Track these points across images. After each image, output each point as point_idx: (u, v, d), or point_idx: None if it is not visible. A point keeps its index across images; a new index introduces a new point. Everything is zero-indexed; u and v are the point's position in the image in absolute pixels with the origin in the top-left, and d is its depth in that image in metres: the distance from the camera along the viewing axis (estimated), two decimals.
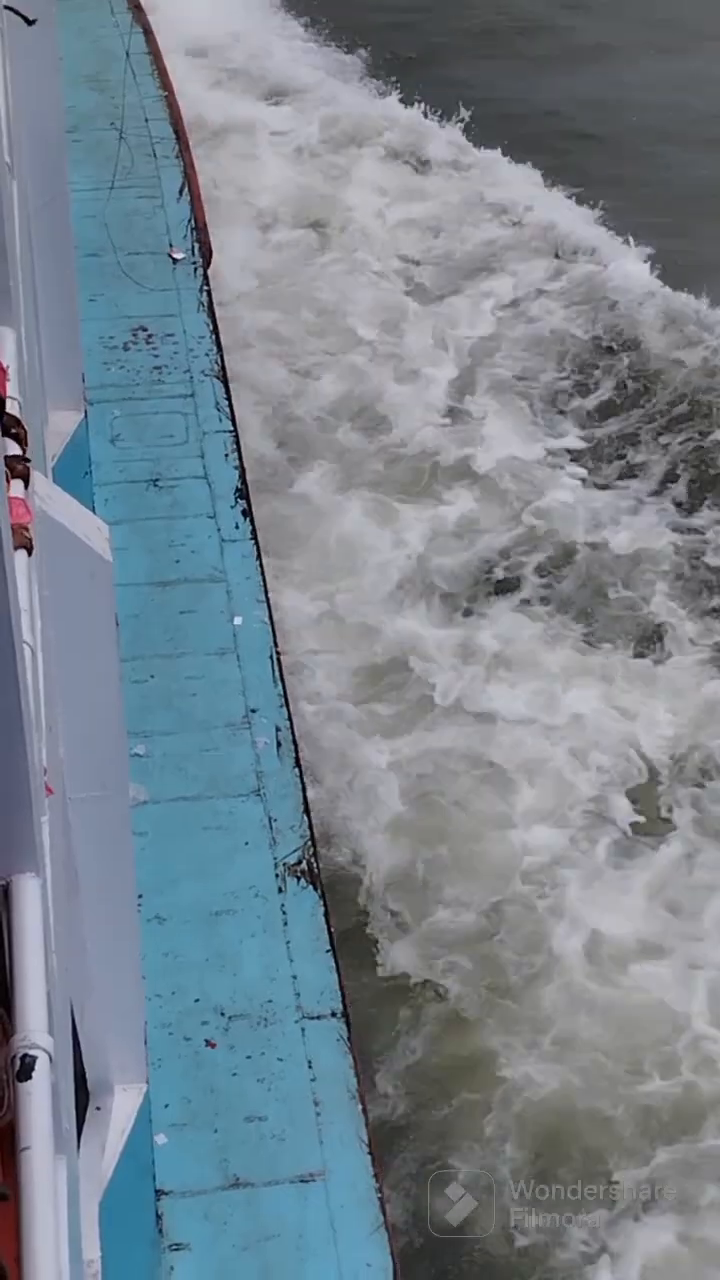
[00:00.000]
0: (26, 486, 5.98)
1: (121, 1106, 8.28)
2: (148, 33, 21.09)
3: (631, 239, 20.58)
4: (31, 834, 4.53)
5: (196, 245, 17.14)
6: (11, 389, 6.42)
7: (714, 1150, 10.95)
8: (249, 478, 14.20)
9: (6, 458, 5.71)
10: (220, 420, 14.69)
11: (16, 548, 5.32)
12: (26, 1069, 4.03)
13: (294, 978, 10.06)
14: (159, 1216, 8.79)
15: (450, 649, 14.76)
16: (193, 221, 17.47)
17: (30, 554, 5.63)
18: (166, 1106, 9.22)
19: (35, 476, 6.15)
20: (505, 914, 12.32)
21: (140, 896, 9.18)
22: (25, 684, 4.52)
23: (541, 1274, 10.38)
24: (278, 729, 11.72)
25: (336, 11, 26.18)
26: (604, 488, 17.02)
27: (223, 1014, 9.83)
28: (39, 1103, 3.98)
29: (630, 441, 17.67)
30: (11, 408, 6.15)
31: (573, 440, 17.61)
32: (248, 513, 13.70)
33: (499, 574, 15.85)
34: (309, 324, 19.05)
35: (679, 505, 16.78)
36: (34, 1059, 4.05)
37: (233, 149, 22.22)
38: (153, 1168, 8.93)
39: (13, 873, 4.52)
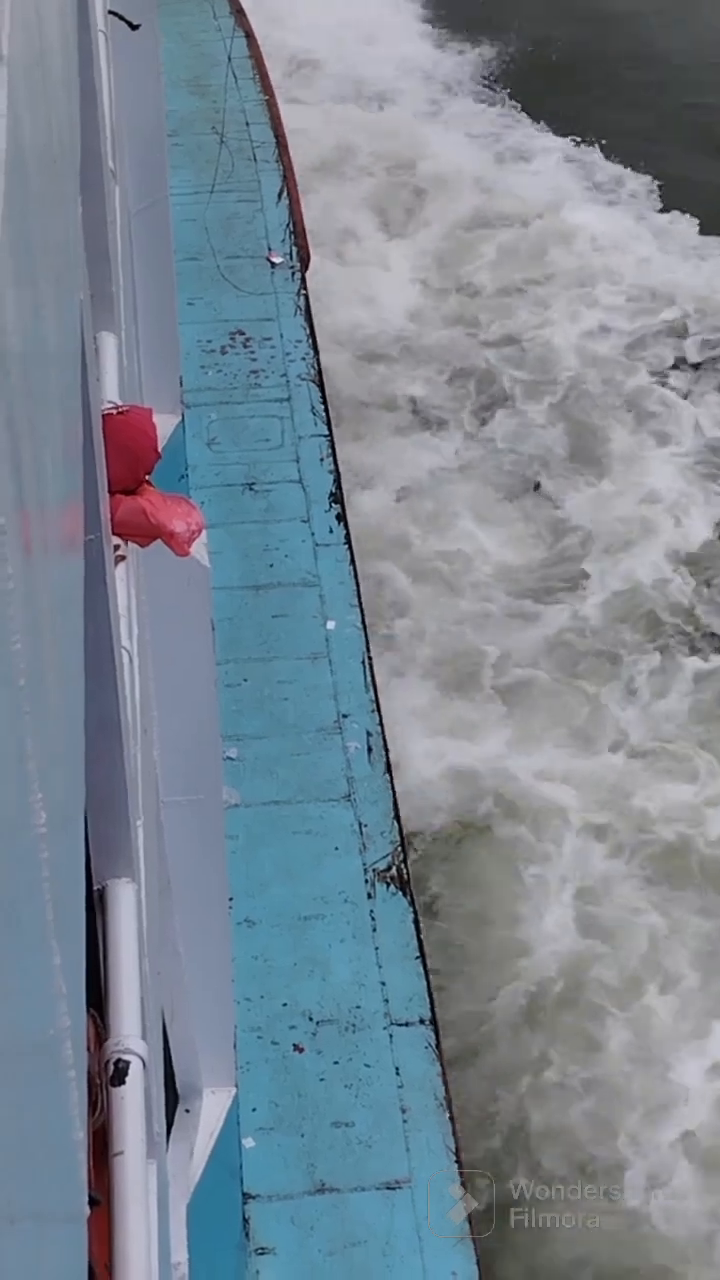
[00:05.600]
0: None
1: (210, 1109, 8.29)
2: (249, 37, 21.13)
3: None
4: (128, 839, 4.54)
5: (295, 249, 17.16)
6: (112, 394, 6.45)
7: None
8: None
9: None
10: (316, 424, 14.70)
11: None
12: (120, 1074, 4.04)
13: (383, 984, 10.04)
14: (246, 1220, 8.80)
15: None
16: (291, 225, 17.50)
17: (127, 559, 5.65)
18: (254, 1110, 9.23)
19: None
20: None
21: (230, 900, 9.20)
22: (123, 689, 4.53)
23: None
24: (369, 734, 11.70)
25: None
26: None
27: (311, 1019, 9.83)
28: (132, 1108, 3.99)
29: None
30: None
31: None
32: (341, 517, 13.70)
33: None
34: None
35: None
36: (127, 1064, 4.06)
37: None
38: (240, 1171, 8.94)
39: (108, 877, 4.53)
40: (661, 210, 21.66)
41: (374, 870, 10.72)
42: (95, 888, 4.52)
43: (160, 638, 6.44)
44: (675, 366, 19.02)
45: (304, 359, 15.52)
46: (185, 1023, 7.63)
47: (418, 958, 10.26)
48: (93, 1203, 3.78)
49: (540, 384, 18.58)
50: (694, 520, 16.59)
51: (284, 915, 10.39)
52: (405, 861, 10.88)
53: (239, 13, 21.80)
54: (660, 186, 21.97)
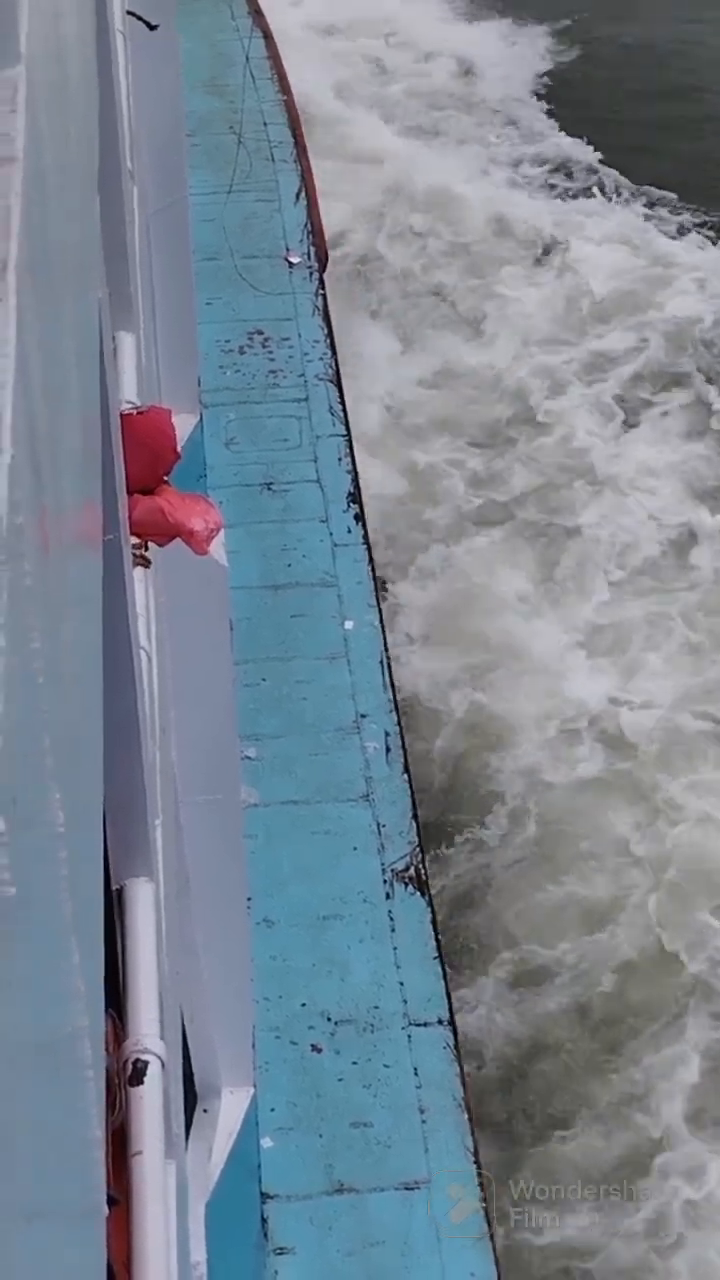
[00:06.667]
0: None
1: (229, 1109, 8.30)
2: (267, 37, 21.14)
3: None
4: (146, 838, 4.54)
5: (312, 249, 17.16)
6: (131, 393, 6.45)
7: None
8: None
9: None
10: (334, 424, 14.70)
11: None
12: (138, 1074, 4.04)
13: (401, 984, 10.03)
14: (264, 1220, 8.80)
15: None
16: (309, 226, 17.50)
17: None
18: (273, 1110, 9.22)
19: None
20: None
21: (249, 899, 9.19)
22: (141, 689, 4.53)
23: None
24: (387, 734, 11.69)
25: None
26: None
27: (329, 1019, 9.82)
28: (150, 1107, 3.99)
29: None
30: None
31: None
32: (360, 517, 13.70)
33: None
34: None
35: None
36: (146, 1064, 4.06)
37: None
38: (259, 1171, 8.94)
39: (126, 876, 4.53)
40: None
41: (392, 870, 10.71)
42: (114, 887, 4.52)
43: (179, 637, 6.45)
44: None
45: (322, 359, 15.52)
46: (204, 1022, 7.64)
47: (436, 958, 10.25)
48: (112, 1202, 3.78)
49: None
50: None
51: (302, 915, 10.38)
52: (423, 862, 10.87)
53: (257, 13, 21.81)
54: None
